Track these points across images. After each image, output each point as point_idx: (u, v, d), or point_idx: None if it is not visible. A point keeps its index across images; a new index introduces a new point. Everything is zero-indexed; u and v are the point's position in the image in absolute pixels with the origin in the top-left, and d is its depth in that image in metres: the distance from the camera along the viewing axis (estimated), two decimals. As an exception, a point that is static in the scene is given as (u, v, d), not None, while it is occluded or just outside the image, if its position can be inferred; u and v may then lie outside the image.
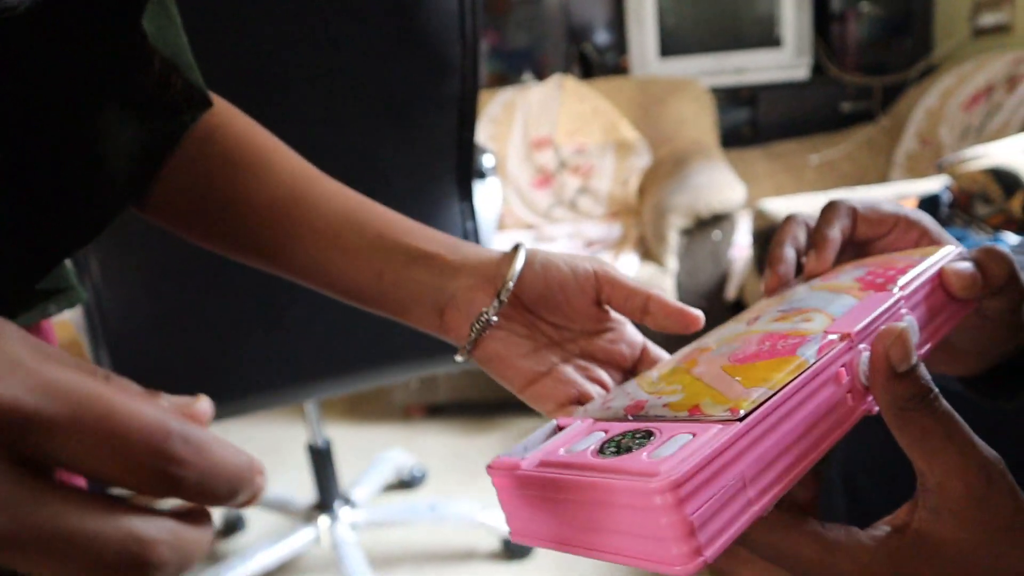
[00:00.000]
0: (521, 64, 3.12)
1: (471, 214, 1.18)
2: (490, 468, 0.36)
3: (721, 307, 2.12)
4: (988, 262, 0.42)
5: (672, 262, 2.07)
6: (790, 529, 0.34)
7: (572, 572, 1.58)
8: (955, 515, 0.32)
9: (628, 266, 2.08)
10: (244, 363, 1.16)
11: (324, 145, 1.05)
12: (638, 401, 0.39)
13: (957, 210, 1.56)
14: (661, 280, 2.05)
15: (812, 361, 0.34)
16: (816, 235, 0.47)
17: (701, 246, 2.09)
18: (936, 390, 0.33)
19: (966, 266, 0.41)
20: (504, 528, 1.57)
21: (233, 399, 1.15)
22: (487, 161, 1.27)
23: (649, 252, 2.16)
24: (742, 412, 0.32)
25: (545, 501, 0.33)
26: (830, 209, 0.47)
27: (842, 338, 0.36)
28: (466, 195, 1.17)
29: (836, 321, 0.37)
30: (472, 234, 1.19)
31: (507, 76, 3.10)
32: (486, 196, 1.25)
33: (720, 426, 0.31)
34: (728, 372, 0.36)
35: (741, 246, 2.13)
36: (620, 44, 3.13)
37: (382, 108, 1.06)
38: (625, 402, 0.40)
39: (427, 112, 1.08)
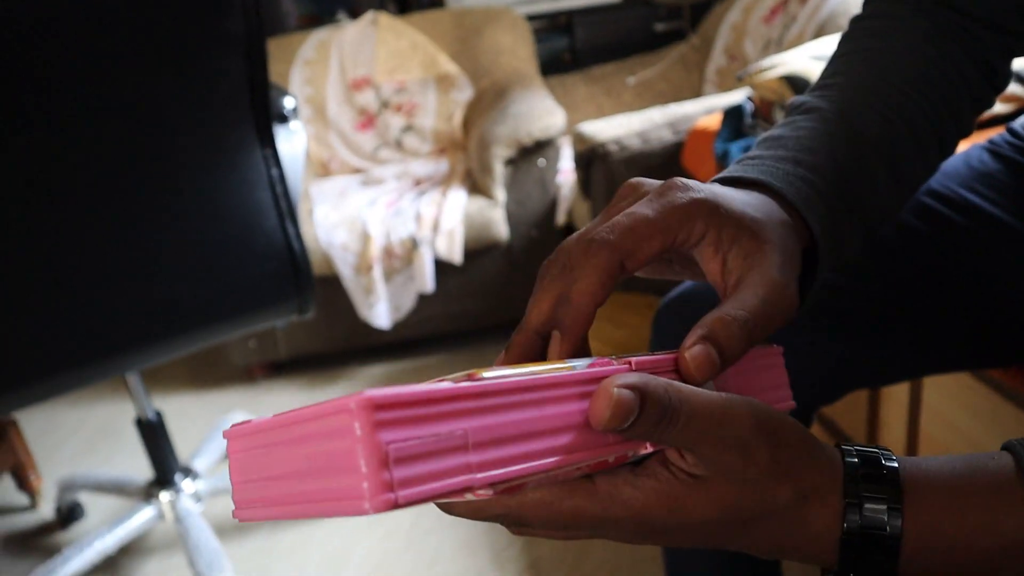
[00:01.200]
0: (334, 3, 3.00)
1: (275, 161, 1.13)
2: (226, 432, 0.33)
3: (552, 232, 2.15)
4: (722, 337, 0.36)
5: (500, 193, 2.08)
6: (551, 504, 0.35)
7: (425, 515, 1.59)
8: (723, 471, 0.35)
9: (457, 201, 2.07)
10: (44, 341, 1.07)
11: (97, 100, 0.97)
12: None
13: (759, 119, 1.63)
14: (492, 212, 2.06)
15: (579, 368, 0.34)
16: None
17: (527, 174, 2.10)
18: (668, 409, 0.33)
19: (698, 350, 0.36)
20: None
21: (40, 380, 1.07)
22: (288, 103, 1.21)
23: (477, 185, 2.15)
24: (480, 375, 0.30)
25: (265, 451, 0.31)
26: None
27: (621, 361, 0.35)
28: (267, 141, 1.12)
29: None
30: (279, 181, 1.14)
31: (319, 16, 2.98)
32: (290, 140, 1.19)
33: (450, 383, 0.30)
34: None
35: (566, 171, 2.16)
36: (434, -25, 3.06)
37: (159, 54, 0.98)
38: None
39: (210, 54, 1.02)
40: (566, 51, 2.98)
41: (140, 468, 1.84)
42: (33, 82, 0.91)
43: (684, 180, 0.40)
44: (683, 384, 0.34)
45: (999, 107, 1.49)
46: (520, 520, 0.35)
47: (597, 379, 0.33)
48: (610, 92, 2.70)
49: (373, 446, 0.26)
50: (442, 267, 2.07)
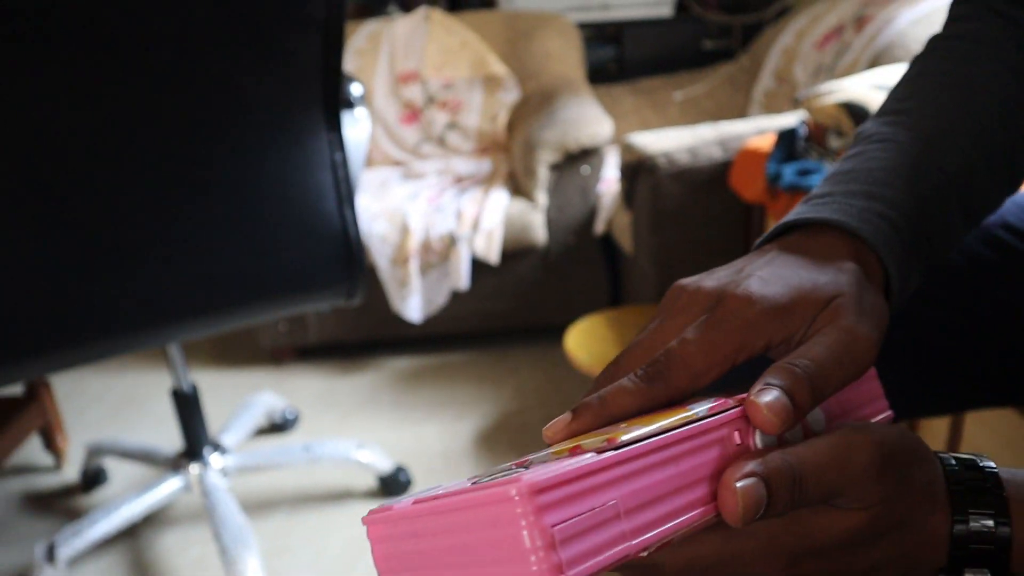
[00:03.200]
0: (386, -5, 3.02)
1: (340, 145, 1.14)
2: (365, 519, 0.33)
3: (590, 241, 2.15)
4: (789, 386, 0.35)
5: (542, 197, 2.08)
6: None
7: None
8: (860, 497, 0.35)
9: (499, 201, 2.07)
10: (96, 306, 1.09)
11: (186, 74, 0.99)
12: (527, 457, 0.36)
13: (812, 143, 1.63)
14: (531, 215, 2.06)
15: (702, 415, 0.34)
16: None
17: (570, 181, 2.11)
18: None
19: (774, 398, 0.34)
20: (380, 465, 1.56)
21: (86, 344, 1.08)
22: (355, 90, 1.22)
23: (519, 187, 2.16)
24: (619, 440, 0.31)
25: (414, 540, 0.31)
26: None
27: (737, 401, 0.35)
28: (334, 126, 1.13)
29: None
30: (341, 166, 1.15)
31: (372, 7, 2.99)
32: (355, 127, 1.20)
33: (593, 453, 0.30)
34: (616, 424, 0.36)
35: (609, 180, 2.16)
36: (487, -24, 3.08)
37: (240, 31, 1.00)
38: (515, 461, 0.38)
39: (290, 36, 1.03)
40: (613, 61, 2.98)
41: (163, 439, 1.86)
42: (125, 49, 0.93)
43: (740, 290, 0.39)
44: (794, 446, 0.34)
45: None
46: (645, 566, 0.35)
47: (723, 424, 0.34)
48: (656, 105, 2.70)
49: (541, 531, 0.27)
50: (478, 266, 2.08)
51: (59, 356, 1.10)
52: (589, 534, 0.28)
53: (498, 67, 2.55)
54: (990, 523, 0.35)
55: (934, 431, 1.20)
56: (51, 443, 1.84)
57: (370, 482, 1.67)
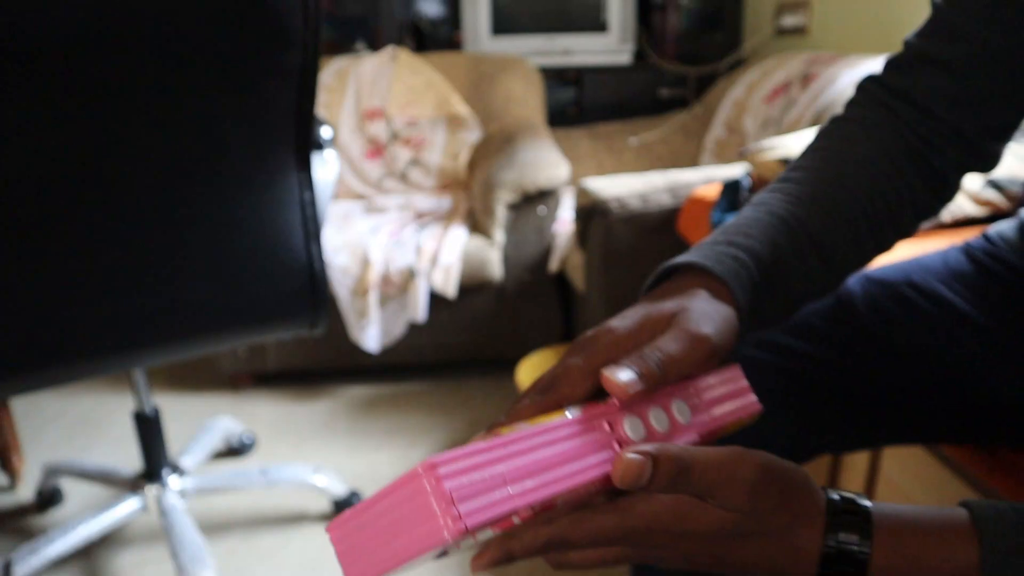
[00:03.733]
0: (355, 33, 3.11)
1: (309, 185, 1.21)
2: (328, 527, 0.43)
3: (544, 278, 2.24)
4: (640, 366, 0.47)
5: (499, 235, 2.17)
6: (586, 518, 0.44)
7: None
8: (736, 501, 0.43)
9: (458, 238, 2.15)
10: (69, 330, 1.14)
11: (166, 113, 1.06)
12: None
13: (755, 194, 1.74)
14: (488, 252, 2.14)
15: (575, 413, 0.45)
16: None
17: (527, 220, 2.20)
18: (683, 458, 0.43)
19: (624, 371, 0.46)
20: (334, 490, 1.61)
21: (58, 366, 1.13)
22: (325, 133, 1.29)
23: (477, 225, 2.24)
24: (499, 431, 0.42)
25: (361, 530, 0.41)
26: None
27: (608, 403, 0.46)
28: (304, 166, 1.20)
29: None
30: (309, 204, 1.22)
31: (341, 44, 3.08)
32: (324, 167, 1.28)
33: (485, 443, 0.40)
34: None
35: (564, 220, 2.25)
36: (453, 19, 3.18)
37: (222, 77, 1.07)
38: None
39: (268, 83, 1.10)
40: (573, 105, 3.09)
41: (118, 460, 1.88)
42: (111, 85, 0.99)
43: (604, 326, 0.51)
44: (693, 448, 0.43)
45: (975, 210, 1.60)
46: (561, 540, 0.44)
47: (593, 417, 0.45)
48: (612, 149, 2.81)
49: (441, 493, 0.37)
50: (435, 299, 2.15)
51: (30, 377, 1.15)
52: (481, 495, 0.38)
53: (461, 107, 2.64)
54: (854, 547, 0.43)
55: (855, 465, 1.29)
56: (6, 463, 1.86)
57: (324, 506, 1.72)
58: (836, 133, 0.70)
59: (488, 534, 0.41)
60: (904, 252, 1.02)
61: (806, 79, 2.40)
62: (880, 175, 0.67)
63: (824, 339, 0.79)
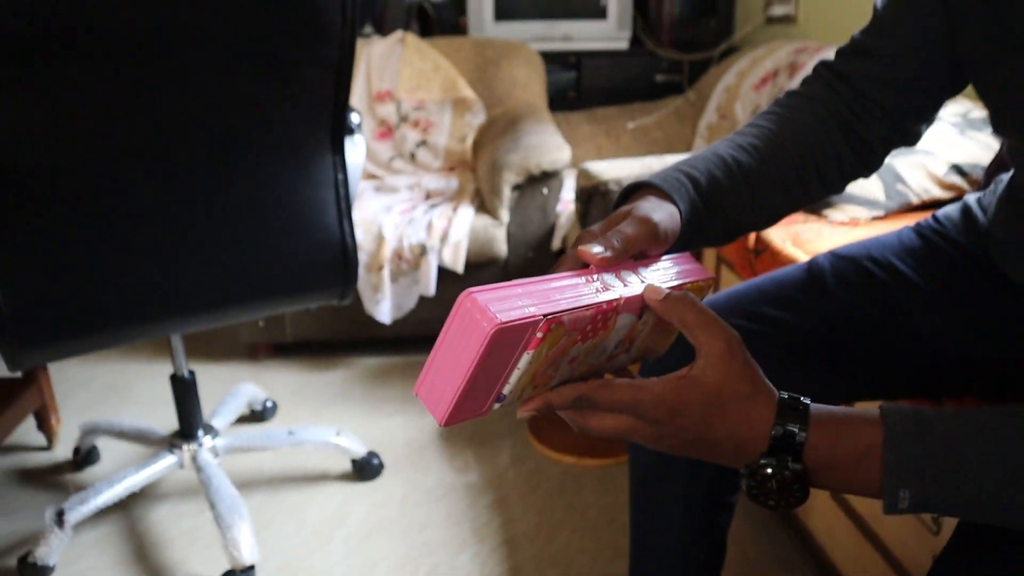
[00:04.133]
0: (362, 16, 3.21)
1: (342, 166, 1.34)
2: (414, 390, 0.57)
3: (547, 254, 2.37)
4: (608, 244, 0.63)
5: (505, 214, 2.29)
6: (611, 385, 0.58)
7: (417, 488, 1.79)
8: (713, 365, 0.57)
9: (466, 216, 2.28)
10: (123, 296, 1.26)
11: (217, 96, 1.18)
12: None
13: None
14: (495, 231, 2.27)
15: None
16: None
17: (531, 200, 2.32)
18: (691, 295, 0.59)
19: (597, 246, 0.62)
20: (356, 450, 1.75)
21: (109, 331, 1.26)
22: (355, 119, 1.42)
23: (484, 204, 2.37)
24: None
25: (434, 374, 0.55)
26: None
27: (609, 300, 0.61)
28: (338, 149, 1.33)
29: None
30: (342, 184, 1.35)
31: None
32: (354, 150, 1.40)
33: (506, 282, 0.56)
34: None
35: (566, 201, 2.38)
36: (458, 3, 3.29)
37: (269, 69, 1.19)
38: None
39: (308, 73, 1.23)
40: (572, 89, 3.21)
41: (148, 421, 2.01)
42: (171, 71, 1.12)
43: (616, 213, 0.68)
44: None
45: (941, 192, 1.75)
46: (588, 399, 0.58)
47: (575, 275, 0.60)
48: (609, 133, 2.93)
49: (478, 306, 0.51)
50: (444, 274, 2.27)
51: (81, 341, 1.27)
52: (508, 307, 0.52)
53: (467, 91, 2.76)
54: (795, 432, 0.57)
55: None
56: (44, 424, 1.98)
57: (345, 466, 1.86)
58: (786, 102, 0.88)
59: (524, 392, 0.58)
60: (874, 231, 1.16)
61: (793, 68, 2.52)
62: (814, 138, 0.83)
63: (799, 308, 0.94)
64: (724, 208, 0.78)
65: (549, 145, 2.31)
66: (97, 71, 1.09)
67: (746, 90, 2.69)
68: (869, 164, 0.88)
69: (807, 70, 2.46)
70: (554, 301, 0.55)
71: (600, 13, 3.22)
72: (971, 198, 0.98)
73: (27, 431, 2.05)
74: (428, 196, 2.54)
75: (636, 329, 0.63)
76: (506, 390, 0.57)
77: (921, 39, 0.81)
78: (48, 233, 1.16)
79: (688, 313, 0.58)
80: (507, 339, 0.52)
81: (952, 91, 0.85)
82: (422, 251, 2.21)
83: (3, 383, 1.90)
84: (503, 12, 3.19)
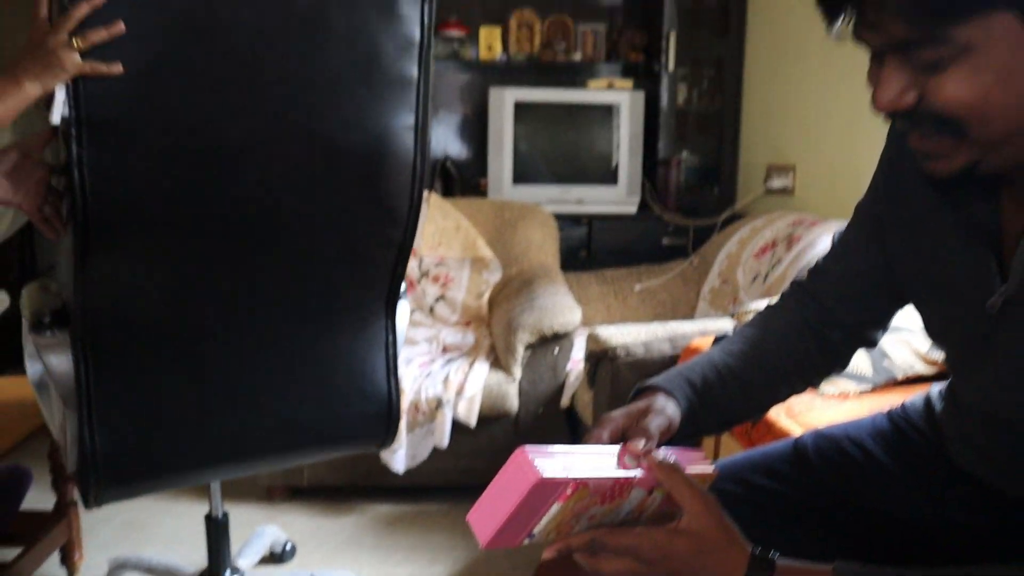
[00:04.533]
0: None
1: (392, 329, 1.51)
2: (467, 518, 0.74)
3: (557, 412, 2.49)
4: (638, 432, 0.84)
5: (518, 372, 2.43)
6: (617, 531, 0.75)
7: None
8: (695, 518, 0.74)
9: (480, 372, 2.42)
10: (201, 440, 1.40)
11: (301, 269, 1.38)
12: None
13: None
14: (508, 387, 2.41)
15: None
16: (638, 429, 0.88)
17: (543, 359, 2.47)
18: (680, 467, 0.77)
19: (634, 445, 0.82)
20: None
21: (183, 473, 1.40)
22: (403, 287, 1.60)
23: (499, 361, 2.51)
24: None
25: (484, 506, 0.72)
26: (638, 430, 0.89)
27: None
28: (391, 313, 1.50)
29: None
30: (391, 345, 1.52)
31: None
32: (401, 314, 1.59)
33: (556, 446, 0.75)
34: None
35: (576, 360, 2.52)
36: (479, 165, 3.55)
37: (345, 246, 1.40)
38: None
39: (376, 251, 1.43)
40: (584, 249, 3.41)
41: (172, 560, 2.10)
42: (262, 245, 1.34)
43: (635, 407, 0.91)
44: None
45: (924, 368, 1.89)
46: (600, 542, 0.74)
47: (611, 454, 0.79)
48: (618, 294, 3.11)
49: (527, 460, 0.68)
50: (457, 427, 2.39)
51: (162, 481, 1.41)
52: (549, 465, 0.69)
53: (486, 250, 2.95)
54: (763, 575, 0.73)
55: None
56: (68, 558, 2.07)
57: (357, 613, 1.93)
58: (766, 313, 1.09)
59: (549, 535, 0.74)
60: (862, 404, 1.32)
61: (790, 240, 2.72)
62: (789, 343, 1.04)
63: (784, 478, 1.09)
64: (717, 404, 0.98)
65: (561, 307, 2.48)
66: (212, 245, 1.30)
67: (747, 258, 2.88)
68: (837, 364, 1.08)
69: (803, 243, 2.65)
70: (585, 468, 0.72)
71: (611, 179, 3.46)
72: (934, 390, 1.13)
73: (49, 565, 2.13)
74: (445, 349, 2.69)
75: (646, 503, 0.79)
76: (536, 530, 0.73)
77: (867, 266, 1.00)
78: (147, 380, 1.33)
79: (677, 477, 0.76)
80: (543, 491, 0.69)
81: (900, 305, 1.04)
82: (438, 404, 2.35)
83: (34, 516, 1.99)
84: (521, 176, 3.43)
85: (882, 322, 1.06)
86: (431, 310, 2.94)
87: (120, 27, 1.12)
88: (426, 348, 2.68)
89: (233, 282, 1.32)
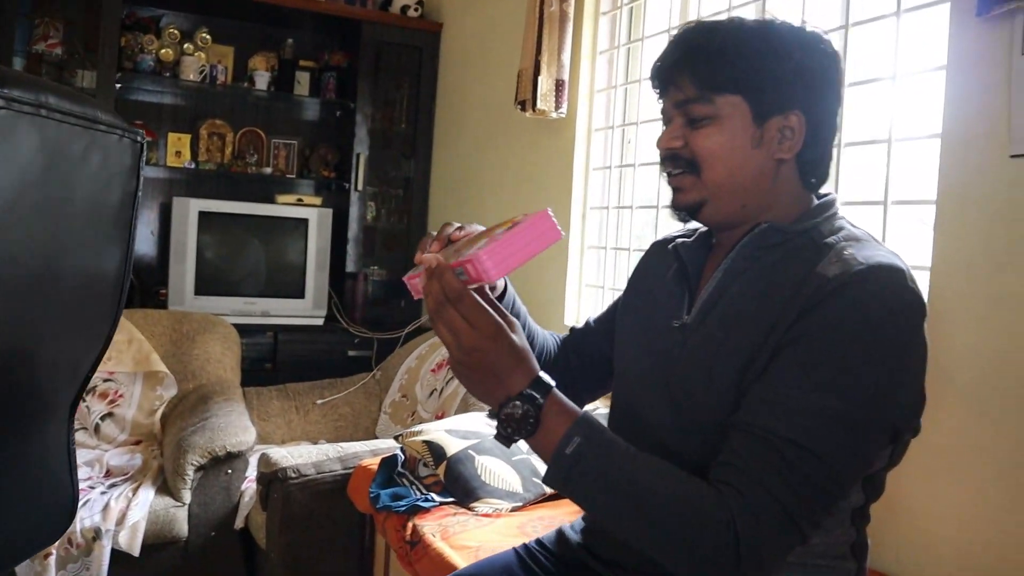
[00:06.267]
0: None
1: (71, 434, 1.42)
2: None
3: (230, 534, 2.44)
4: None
5: (187, 495, 2.36)
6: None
7: None
8: (492, 340, 0.91)
9: (145, 498, 2.31)
10: None
11: None
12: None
13: (407, 470, 2.12)
14: (176, 511, 2.32)
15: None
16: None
17: (215, 480, 2.42)
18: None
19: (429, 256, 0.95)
20: None
21: None
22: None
23: (167, 483, 2.42)
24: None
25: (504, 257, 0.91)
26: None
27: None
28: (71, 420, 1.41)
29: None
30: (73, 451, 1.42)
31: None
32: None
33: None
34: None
35: (250, 480, 2.50)
36: (161, 275, 3.43)
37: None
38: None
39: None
40: (269, 362, 3.40)
41: None
42: None
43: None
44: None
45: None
46: (448, 295, 0.89)
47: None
48: (300, 408, 3.12)
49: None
50: (118, 556, 2.26)
51: None
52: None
53: (160, 365, 2.85)
54: (537, 399, 0.92)
55: None
56: None
57: None
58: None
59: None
60: (515, 519, 1.46)
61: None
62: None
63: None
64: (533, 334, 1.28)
65: (236, 427, 2.46)
66: None
67: (425, 372, 3.04)
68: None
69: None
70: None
71: (299, 291, 3.51)
72: (565, 526, 1.29)
73: None
74: (109, 473, 2.54)
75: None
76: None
77: (606, 318, 1.33)
78: None
79: (472, 301, 0.90)
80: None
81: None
82: (95, 535, 2.21)
83: None
84: (204, 287, 3.37)
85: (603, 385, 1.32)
86: (96, 428, 2.77)
87: None
88: (87, 472, 2.51)
89: None
